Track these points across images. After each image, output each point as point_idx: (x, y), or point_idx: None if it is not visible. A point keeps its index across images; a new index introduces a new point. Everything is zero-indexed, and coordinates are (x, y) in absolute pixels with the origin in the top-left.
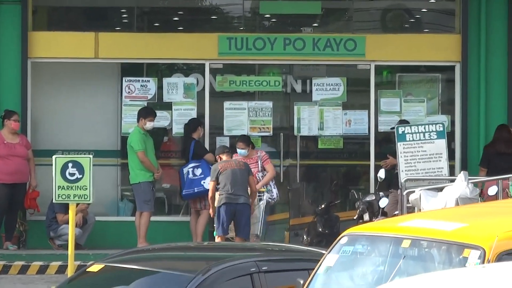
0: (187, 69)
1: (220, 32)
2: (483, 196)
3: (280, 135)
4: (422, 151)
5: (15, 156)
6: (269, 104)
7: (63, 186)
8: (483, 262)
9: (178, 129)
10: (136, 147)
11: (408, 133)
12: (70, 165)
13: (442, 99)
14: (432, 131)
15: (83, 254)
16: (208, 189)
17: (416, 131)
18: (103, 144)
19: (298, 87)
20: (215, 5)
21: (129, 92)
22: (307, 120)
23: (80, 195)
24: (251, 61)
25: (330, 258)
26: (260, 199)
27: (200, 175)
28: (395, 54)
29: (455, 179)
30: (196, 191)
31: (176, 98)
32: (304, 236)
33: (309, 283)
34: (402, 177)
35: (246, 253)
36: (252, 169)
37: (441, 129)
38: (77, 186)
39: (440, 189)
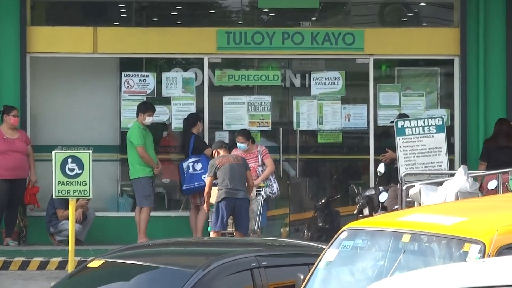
0: (186, 64)
1: (219, 26)
2: (483, 190)
3: (279, 130)
4: (422, 145)
5: (15, 152)
6: (268, 98)
7: (63, 181)
8: (483, 257)
9: (177, 124)
10: (135, 142)
11: (407, 127)
12: (69, 160)
13: (441, 93)
14: (432, 125)
15: (83, 249)
16: None
17: (416, 125)
18: (102, 139)
19: (297, 82)
20: None
21: (128, 87)
22: (306, 115)
23: (80, 190)
24: (250, 56)
25: (330, 253)
26: (259, 194)
27: (200, 169)
28: (394, 48)
29: (454, 173)
30: (196, 185)
31: (175, 92)
32: (305, 231)
33: (309, 278)
34: (402, 171)
35: (246, 248)
36: (252, 164)
37: (441, 123)
38: (77, 182)
39: (440, 183)
